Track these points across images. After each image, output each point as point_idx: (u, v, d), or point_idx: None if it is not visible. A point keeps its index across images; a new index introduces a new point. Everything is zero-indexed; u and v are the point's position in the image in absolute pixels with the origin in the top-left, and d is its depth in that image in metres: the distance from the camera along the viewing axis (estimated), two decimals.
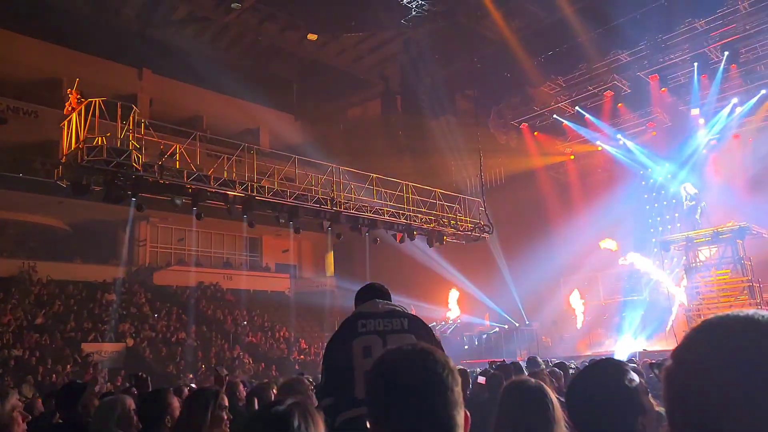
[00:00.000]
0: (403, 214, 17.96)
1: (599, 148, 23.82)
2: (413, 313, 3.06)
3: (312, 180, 16.57)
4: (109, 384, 16.32)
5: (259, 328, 24.84)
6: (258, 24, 23.20)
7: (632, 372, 1.83)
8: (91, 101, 12.69)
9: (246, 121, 28.35)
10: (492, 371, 6.48)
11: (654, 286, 21.37)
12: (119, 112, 13.02)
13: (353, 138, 27.50)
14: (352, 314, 2.95)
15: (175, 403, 3.10)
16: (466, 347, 21.92)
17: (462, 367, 6.93)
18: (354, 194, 17.24)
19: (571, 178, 25.75)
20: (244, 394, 5.54)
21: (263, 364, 21.66)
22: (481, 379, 6.42)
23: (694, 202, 19.25)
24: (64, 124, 13.17)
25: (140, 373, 5.16)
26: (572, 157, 25.22)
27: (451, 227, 19.00)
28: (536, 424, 2.07)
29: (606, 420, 1.71)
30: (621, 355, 15.52)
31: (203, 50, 25.59)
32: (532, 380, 2.27)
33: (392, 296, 3.12)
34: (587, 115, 22.16)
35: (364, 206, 17.19)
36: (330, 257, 31.07)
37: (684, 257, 19.89)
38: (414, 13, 19.64)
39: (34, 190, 20.30)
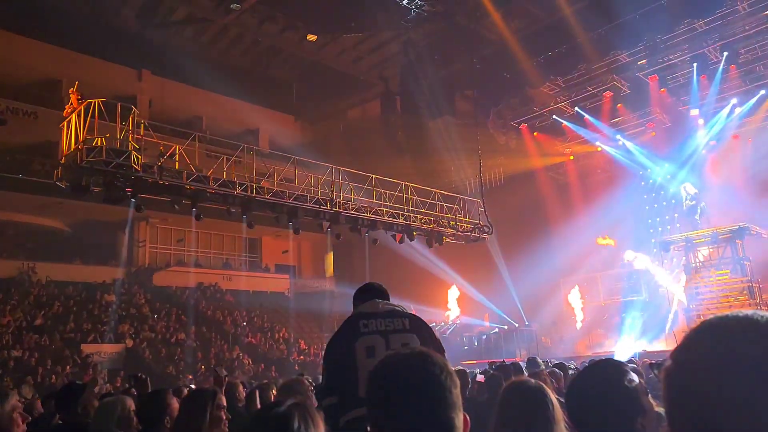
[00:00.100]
0: (402, 215, 17.96)
1: (599, 149, 23.84)
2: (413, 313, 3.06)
3: (311, 181, 16.57)
4: (108, 385, 16.31)
5: (258, 328, 24.83)
6: (257, 25, 23.20)
7: (632, 372, 1.83)
8: (91, 102, 12.69)
9: (245, 121, 28.34)
10: (491, 372, 6.49)
11: (653, 286, 21.39)
12: (119, 113, 13.02)
13: (353, 139, 27.51)
14: (353, 314, 2.95)
15: (175, 403, 3.09)
16: (465, 348, 21.93)
17: (461, 368, 6.93)
18: (353, 195, 17.24)
19: (571, 179, 25.76)
20: (244, 394, 5.54)
21: (263, 364, 21.64)
22: (480, 377, 6.42)
23: (694, 202, 19.27)
24: (63, 125, 13.17)
25: (139, 374, 5.15)
26: (572, 157, 25.23)
27: (451, 228, 19.00)
28: (536, 425, 2.07)
29: (606, 420, 1.71)
30: (621, 356, 15.52)
31: (203, 51, 25.60)
32: (532, 381, 2.27)
33: (392, 298, 3.12)
34: (587, 116, 22.18)
35: (363, 207, 17.19)
36: (329, 258, 31.06)
37: (683, 258, 19.92)
38: (413, 13, 19.65)
39: (34, 191, 20.29)
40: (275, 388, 5.62)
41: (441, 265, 23.78)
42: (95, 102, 12.66)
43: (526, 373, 5.91)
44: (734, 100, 20.34)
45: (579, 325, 22.49)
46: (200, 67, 25.12)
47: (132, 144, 12.86)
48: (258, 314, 25.98)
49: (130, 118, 13.01)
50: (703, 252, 19.51)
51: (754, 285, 17.92)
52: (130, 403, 3.26)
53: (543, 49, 19.06)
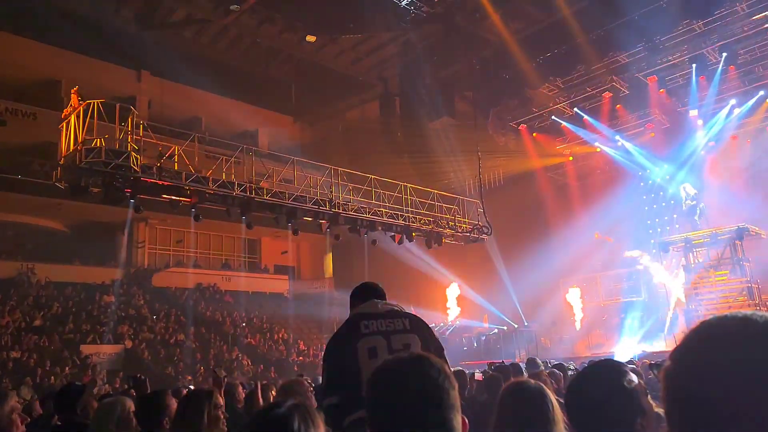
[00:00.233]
0: (401, 216, 17.96)
1: (598, 150, 23.86)
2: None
3: (310, 181, 16.57)
4: (107, 386, 16.30)
5: (257, 329, 24.82)
6: (256, 26, 23.21)
7: (631, 373, 1.83)
8: (90, 103, 12.68)
9: (244, 122, 28.32)
10: (490, 372, 6.49)
11: (653, 287, 21.39)
12: (118, 114, 13.01)
13: (352, 140, 27.51)
14: (353, 315, 2.94)
15: (174, 404, 3.09)
16: (465, 349, 21.92)
17: (460, 368, 6.94)
18: (352, 196, 17.24)
19: (570, 180, 25.78)
20: (243, 395, 5.53)
21: (262, 365, 21.64)
22: (478, 375, 6.42)
23: (694, 202, 19.29)
24: (62, 126, 13.17)
25: (138, 375, 5.15)
26: (571, 158, 25.25)
27: (450, 228, 19.01)
28: (536, 425, 2.07)
29: (605, 421, 1.71)
30: (620, 357, 15.52)
31: (202, 52, 25.61)
32: (532, 381, 2.27)
33: (391, 299, 3.12)
34: (586, 117, 22.19)
35: (362, 208, 17.19)
36: (329, 259, 31.06)
37: (683, 258, 19.94)
38: (412, 14, 19.65)
39: (33, 191, 20.27)
40: (274, 389, 5.62)
41: (440, 266, 23.82)
42: (94, 103, 12.66)
43: (525, 374, 5.91)
44: (733, 101, 20.35)
45: (578, 325, 22.49)
46: (199, 68, 25.13)
47: (131, 145, 12.86)
48: (257, 315, 25.97)
49: (129, 119, 13.01)
50: (703, 253, 19.53)
51: (753, 286, 17.94)
52: (130, 404, 3.26)
53: (542, 50, 19.06)
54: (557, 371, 6.23)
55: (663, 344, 18.40)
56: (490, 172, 23.48)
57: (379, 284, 3.19)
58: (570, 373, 6.79)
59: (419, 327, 2.90)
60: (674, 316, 19.47)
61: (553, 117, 22.67)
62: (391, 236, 18.26)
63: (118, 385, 16.29)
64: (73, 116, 12.80)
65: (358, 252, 24.71)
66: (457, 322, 23.46)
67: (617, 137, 22.70)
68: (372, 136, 24.64)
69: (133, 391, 5.43)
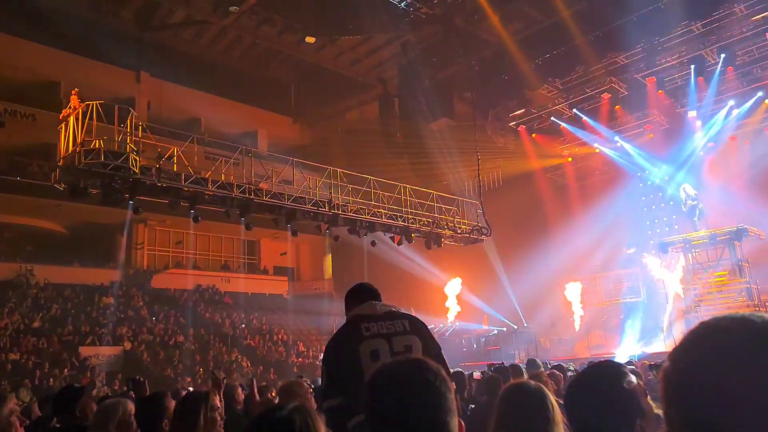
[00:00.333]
0: (400, 217, 17.97)
1: (597, 150, 23.88)
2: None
3: (310, 183, 16.56)
4: (106, 388, 16.28)
5: (257, 331, 24.80)
6: (256, 27, 23.22)
7: (631, 374, 1.83)
8: (89, 104, 12.68)
9: (244, 123, 28.32)
10: (490, 373, 6.48)
11: (653, 288, 21.41)
12: (117, 115, 13.01)
13: (351, 141, 27.52)
14: (352, 316, 2.94)
15: (173, 406, 3.09)
16: (464, 350, 21.92)
17: (459, 370, 6.94)
18: (352, 197, 17.24)
19: (569, 180, 25.80)
20: (242, 397, 5.53)
21: (261, 367, 21.62)
22: (477, 375, 6.42)
23: (695, 202, 19.31)
24: (61, 127, 13.16)
25: (138, 377, 5.14)
26: (570, 159, 25.27)
27: (449, 229, 19.01)
28: (535, 426, 2.07)
29: (605, 422, 1.71)
30: (620, 357, 15.53)
31: (201, 53, 25.63)
32: (532, 382, 2.27)
33: (391, 300, 3.12)
34: (585, 118, 22.22)
35: (361, 209, 17.19)
36: (328, 260, 31.06)
37: (682, 258, 19.97)
38: (411, 16, 19.66)
39: (32, 193, 20.27)
40: (274, 391, 5.61)
41: (439, 267, 23.82)
42: (93, 104, 12.65)
43: (526, 375, 5.91)
44: (732, 102, 20.38)
45: (577, 326, 22.50)
46: (198, 70, 25.17)
47: (130, 146, 12.85)
48: (256, 317, 25.96)
49: (128, 120, 13.00)
50: (702, 254, 19.54)
51: (752, 286, 17.96)
52: (131, 406, 3.26)
53: (541, 51, 19.07)
54: (557, 372, 6.24)
55: (662, 345, 18.42)
56: (490, 173, 23.49)
57: (373, 285, 3.20)
58: (569, 374, 6.80)
59: (419, 328, 2.91)
60: (673, 315, 19.48)
61: (552, 118, 22.70)
62: (390, 237, 18.26)
63: (117, 387, 16.28)
64: (72, 117, 12.79)
65: (358, 253, 24.71)
66: (456, 323, 23.45)
67: (616, 138, 22.73)
68: (371, 137, 24.62)
69: (132, 392, 5.43)
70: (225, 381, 4.77)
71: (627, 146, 22.85)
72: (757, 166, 19.85)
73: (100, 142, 12.45)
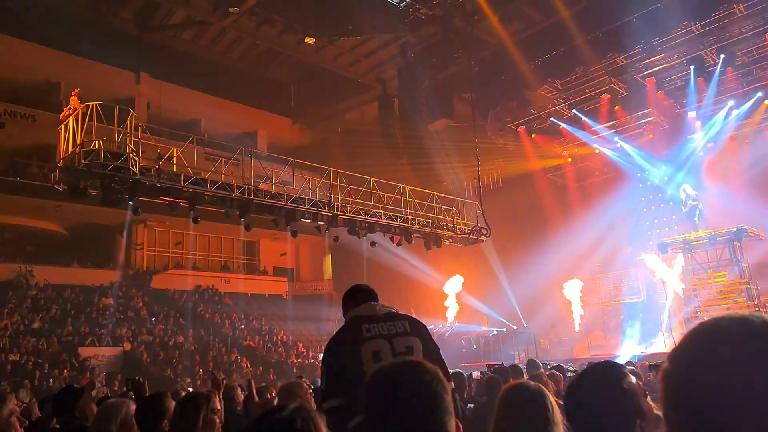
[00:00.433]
0: (400, 217, 17.97)
1: (596, 151, 23.87)
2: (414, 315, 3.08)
3: (309, 183, 16.56)
4: (105, 388, 16.27)
5: (256, 331, 24.80)
6: (255, 28, 23.22)
7: (630, 375, 1.83)
8: (89, 105, 12.68)
9: (244, 124, 28.34)
10: (489, 374, 6.49)
11: (653, 289, 21.40)
12: (116, 116, 13.01)
13: (350, 141, 27.51)
14: (352, 317, 2.95)
15: (173, 407, 3.09)
16: (464, 350, 21.92)
17: (458, 370, 6.94)
18: (351, 197, 17.24)
19: (569, 181, 25.79)
20: (242, 398, 5.52)
21: (261, 367, 21.62)
22: (476, 374, 6.42)
23: (696, 202, 19.32)
24: (61, 128, 13.15)
25: (137, 378, 5.14)
26: (569, 159, 25.26)
27: (449, 230, 19.01)
28: (535, 427, 2.07)
29: (604, 423, 1.71)
30: (622, 359, 15.52)
31: (201, 54, 25.63)
32: (531, 383, 2.27)
33: (391, 300, 3.14)
34: (584, 118, 22.21)
35: (361, 209, 17.19)
36: (328, 260, 31.06)
37: (682, 259, 19.97)
38: (411, 16, 19.66)
39: (31, 194, 20.26)
40: (273, 391, 5.61)
41: (438, 268, 23.82)
42: (93, 105, 12.65)
43: (526, 376, 5.91)
44: (731, 103, 20.37)
45: (577, 326, 22.49)
46: (198, 70, 25.17)
47: (130, 147, 12.84)
48: (256, 317, 25.96)
49: (128, 121, 12.99)
50: (702, 254, 19.54)
51: (752, 287, 17.95)
52: (133, 407, 3.26)
53: (540, 52, 19.07)
54: (556, 373, 6.24)
55: (662, 346, 18.43)
56: (489, 174, 23.49)
57: (369, 286, 3.22)
58: (569, 374, 6.80)
59: (418, 329, 2.93)
60: (672, 316, 19.48)
61: (551, 118, 22.70)
62: (390, 238, 18.26)
63: (116, 388, 16.27)
64: (71, 118, 12.79)
65: (357, 253, 24.71)
66: (456, 324, 23.45)
67: (616, 138, 22.72)
68: (371, 138, 24.62)
69: (131, 393, 5.42)
70: (224, 381, 4.77)
71: (627, 147, 22.85)
72: (756, 166, 19.84)
73: (99, 143, 12.44)
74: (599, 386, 1.80)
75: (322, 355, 3.07)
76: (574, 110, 22.18)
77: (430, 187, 19.75)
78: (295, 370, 20.44)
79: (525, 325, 22.92)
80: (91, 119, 12.53)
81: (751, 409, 0.82)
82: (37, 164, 20.92)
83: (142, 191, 13.30)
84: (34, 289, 21.19)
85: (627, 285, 22.50)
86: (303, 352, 24.15)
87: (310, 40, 22.96)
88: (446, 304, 24.17)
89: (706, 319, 0.97)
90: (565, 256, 22.49)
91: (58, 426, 3.93)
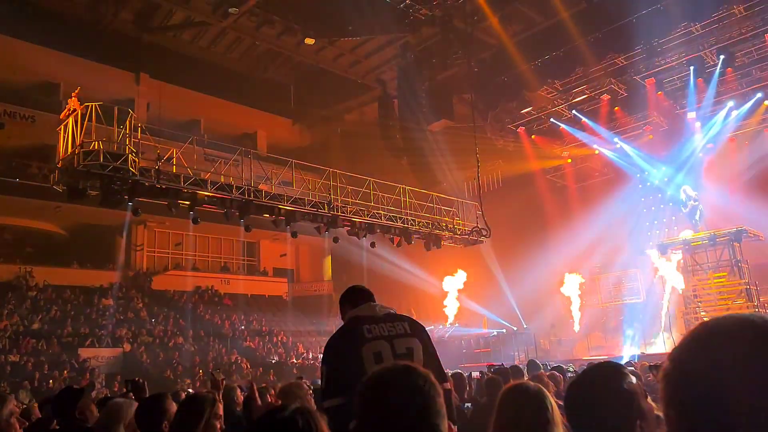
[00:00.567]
0: (400, 218, 17.97)
1: (596, 152, 23.89)
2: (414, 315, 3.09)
3: (309, 184, 16.56)
4: (105, 389, 16.26)
5: (256, 332, 24.79)
6: (255, 28, 23.20)
7: (631, 375, 1.83)
8: (88, 105, 12.67)
9: (243, 125, 28.34)
10: (490, 374, 6.49)
11: (653, 289, 21.40)
12: (116, 117, 13.00)
13: (350, 142, 27.52)
14: (352, 318, 2.95)
15: (173, 408, 3.08)
16: (464, 351, 21.92)
17: (458, 371, 6.94)
18: (351, 198, 17.24)
19: (569, 182, 25.80)
20: (242, 399, 5.52)
21: (261, 368, 21.61)
22: (475, 374, 6.42)
23: (697, 203, 19.34)
24: (60, 129, 13.15)
25: (137, 378, 5.14)
26: (569, 160, 25.28)
27: (448, 231, 19.01)
28: (535, 427, 2.07)
29: (604, 423, 1.71)
30: (620, 359, 15.52)
31: (201, 54, 25.62)
32: (531, 383, 2.27)
33: (390, 301, 3.15)
34: (584, 119, 22.22)
35: (361, 210, 17.19)
36: (327, 261, 31.04)
37: (681, 260, 19.97)
38: (411, 17, 19.66)
39: (31, 194, 20.24)
40: (273, 391, 5.60)
41: (437, 270, 23.81)
42: (92, 105, 12.65)
43: (527, 376, 5.91)
44: (731, 103, 20.38)
45: (577, 327, 22.49)
46: (198, 71, 25.16)
47: (129, 147, 12.84)
48: (256, 318, 25.95)
49: (128, 122, 12.99)
50: (701, 254, 19.55)
51: (751, 287, 17.97)
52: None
53: (540, 53, 19.08)
54: (556, 374, 6.24)
55: (662, 346, 18.43)
56: (489, 175, 23.50)
57: (365, 287, 3.24)
58: (569, 375, 6.80)
59: (418, 330, 2.94)
60: (672, 317, 19.48)
61: (551, 119, 22.71)
62: (389, 239, 18.26)
63: (116, 389, 16.26)
64: (71, 119, 12.79)
65: (357, 254, 24.71)
66: (456, 325, 23.45)
67: (615, 139, 22.74)
68: (370, 139, 24.62)
69: (131, 394, 5.42)
70: (224, 382, 4.76)
71: (626, 147, 22.86)
72: (756, 167, 19.87)
73: (99, 144, 12.44)
74: (599, 386, 1.80)
75: (321, 355, 3.07)
76: (573, 111, 22.20)
77: (430, 188, 19.75)
78: (295, 371, 20.42)
79: (525, 326, 22.92)
80: (90, 120, 12.53)
81: (751, 409, 0.82)
82: (36, 165, 20.91)
83: (142, 192, 13.29)
84: (33, 290, 21.18)
85: (627, 286, 22.50)
86: (303, 352, 24.15)
87: (309, 41, 22.94)
88: (446, 302, 24.12)
89: (706, 319, 0.97)
90: (565, 257, 22.51)
91: (58, 427, 3.92)
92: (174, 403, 3.13)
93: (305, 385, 4.60)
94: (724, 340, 0.90)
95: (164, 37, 24.75)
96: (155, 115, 24.35)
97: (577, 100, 21.75)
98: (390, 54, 23.33)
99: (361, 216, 17.07)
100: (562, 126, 22.79)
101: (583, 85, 20.98)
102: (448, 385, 3.12)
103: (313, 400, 4.19)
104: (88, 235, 24.82)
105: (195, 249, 27.36)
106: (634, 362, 11.40)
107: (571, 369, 8.28)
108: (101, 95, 15.71)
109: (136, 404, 3.32)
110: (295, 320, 27.07)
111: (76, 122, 12.58)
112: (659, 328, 19.69)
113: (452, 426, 1.41)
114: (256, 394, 5.07)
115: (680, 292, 19.62)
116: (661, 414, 1.00)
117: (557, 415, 2.08)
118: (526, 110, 22.45)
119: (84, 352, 19.18)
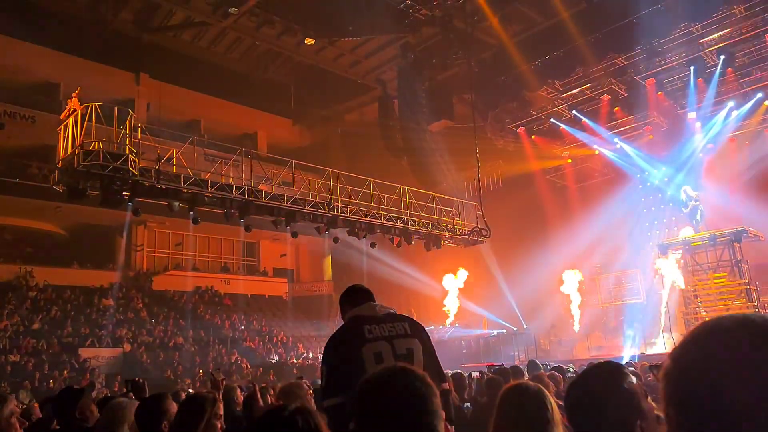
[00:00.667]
0: (400, 218, 17.97)
1: (596, 152, 23.88)
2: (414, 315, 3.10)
3: (309, 184, 16.56)
4: (106, 389, 16.26)
5: (256, 332, 24.80)
6: (255, 28, 23.21)
7: (631, 375, 1.83)
8: (88, 106, 12.68)
9: (244, 125, 28.36)
10: (490, 374, 6.49)
11: (653, 289, 21.40)
12: (116, 117, 13.01)
13: (350, 142, 27.53)
14: (353, 317, 2.96)
15: (174, 408, 3.08)
16: (464, 351, 21.92)
17: (459, 371, 6.94)
18: (351, 198, 17.24)
19: (569, 182, 25.80)
20: (242, 399, 5.52)
21: (261, 368, 21.61)
22: (475, 373, 6.43)
23: (698, 203, 19.33)
24: (60, 129, 13.15)
25: (137, 379, 5.14)
26: (569, 160, 25.26)
27: (449, 231, 19.01)
28: (535, 427, 2.07)
29: (605, 423, 1.71)
30: (621, 359, 15.52)
31: (201, 55, 25.62)
32: (531, 383, 2.28)
33: (390, 301, 3.16)
34: (584, 119, 22.21)
35: (361, 210, 17.19)
36: (328, 261, 31.05)
37: (681, 260, 19.97)
38: (411, 17, 19.66)
39: (31, 194, 20.25)
40: (272, 391, 5.60)
41: (437, 270, 23.80)
42: (92, 106, 12.65)
43: (527, 376, 5.91)
44: (731, 103, 20.37)
45: (577, 327, 22.49)
46: (198, 71, 25.16)
47: (129, 148, 12.84)
48: (256, 318, 25.95)
49: (128, 122, 12.99)
50: (701, 255, 19.55)
51: (751, 288, 17.96)
52: None
53: (541, 53, 19.07)
54: (556, 374, 6.24)
55: (662, 347, 18.43)
56: (489, 175, 23.49)
57: (364, 286, 3.25)
58: (569, 375, 6.80)
59: (418, 330, 2.96)
60: (672, 317, 19.47)
61: (551, 119, 22.70)
62: (390, 239, 18.26)
63: (117, 389, 16.26)
64: (71, 119, 12.79)
65: (357, 254, 24.72)
66: (456, 325, 23.45)
67: (616, 140, 22.73)
68: (370, 139, 24.63)
69: (131, 394, 5.42)
70: (224, 382, 4.76)
71: (626, 148, 22.85)
72: (756, 167, 19.86)
73: (99, 144, 12.45)
74: (600, 386, 1.80)
75: (321, 354, 3.07)
76: (574, 111, 22.18)
77: (430, 188, 19.74)
78: (295, 371, 20.42)
79: (525, 327, 22.92)
80: (90, 120, 12.53)
81: (751, 408, 0.82)
82: (36, 165, 20.92)
83: (142, 192, 13.29)
84: (33, 290, 21.18)
85: (627, 286, 22.50)
86: (303, 353, 24.15)
87: (310, 41, 22.95)
88: (446, 301, 24.11)
89: (707, 319, 0.97)
90: (565, 257, 22.51)
91: (58, 427, 3.92)
92: (174, 403, 3.13)
93: (305, 385, 4.60)
94: (724, 339, 0.90)
95: (164, 37, 24.76)
96: (155, 116, 24.37)
97: (577, 100, 21.74)
98: (390, 54, 23.34)
99: (361, 216, 17.07)
100: (563, 126, 22.78)
101: (584, 85, 20.96)
102: (447, 385, 3.12)
103: (313, 400, 4.19)
104: (89, 235, 24.83)
105: (195, 249, 27.37)
106: (635, 362, 11.40)
107: (571, 369, 8.27)
108: (101, 95, 15.72)
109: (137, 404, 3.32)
110: (295, 320, 27.08)
111: (76, 122, 12.58)
112: (659, 328, 19.68)
113: (449, 426, 1.44)
114: (258, 395, 5.07)
115: (680, 291, 19.62)
116: (661, 414, 1.00)
117: (557, 415, 2.08)
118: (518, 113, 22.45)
119: (84, 352, 19.19)
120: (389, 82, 23.98)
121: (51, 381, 16.59)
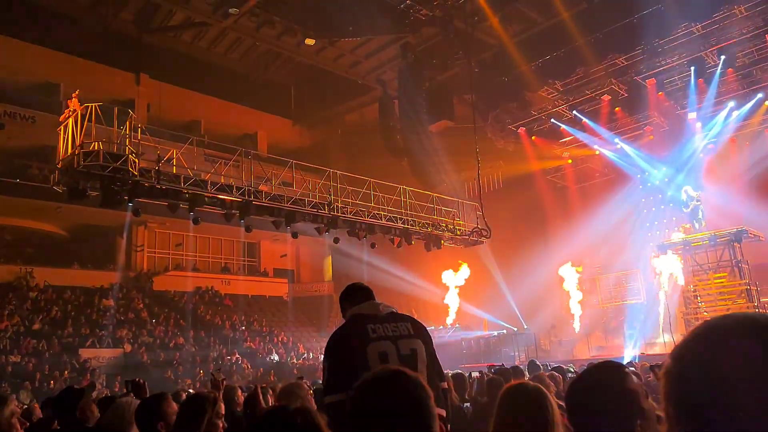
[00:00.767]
0: (400, 219, 17.97)
1: (597, 152, 23.87)
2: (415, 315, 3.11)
3: (309, 185, 16.56)
4: (106, 390, 16.27)
5: (257, 333, 24.80)
6: (255, 29, 23.22)
7: (631, 375, 1.83)
8: (88, 106, 12.68)
9: (244, 125, 28.36)
10: (490, 375, 6.49)
11: (653, 289, 21.39)
12: (116, 117, 13.01)
13: (351, 143, 27.54)
14: (355, 315, 2.96)
15: (173, 409, 3.08)
16: (464, 351, 21.91)
17: (460, 372, 6.94)
18: (351, 199, 17.24)
19: (569, 182, 25.80)
20: (242, 399, 5.51)
21: (261, 368, 21.62)
22: (475, 374, 6.43)
23: (699, 203, 19.33)
24: (60, 129, 13.16)
25: (137, 379, 5.13)
26: (570, 161, 25.26)
27: (449, 231, 19.01)
28: (535, 427, 2.07)
29: (605, 423, 1.71)
30: (621, 359, 15.51)
31: (201, 55, 25.64)
32: (531, 383, 2.28)
33: (391, 301, 3.16)
34: (585, 119, 22.20)
35: (361, 211, 17.19)
36: (328, 262, 31.05)
37: (682, 260, 19.96)
38: (411, 18, 19.67)
39: (31, 195, 20.27)
40: (271, 392, 5.60)
41: (437, 270, 23.79)
42: (93, 106, 12.66)
43: (528, 376, 5.91)
44: (731, 104, 20.36)
45: (577, 327, 22.48)
46: (198, 71, 25.19)
47: (129, 148, 12.84)
48: (257, 318, 25.95)
49: (128, 122, 12.99)
50: (702, 255, 19.55)
51: (751, 288, 17.96)
52: None
53: (541, 53, 19.06)
54: (556, 374, 6.24)
55: (663, 347, 18.42)
56: (489, 175, 23.49)
57: (364, 284, 3.25)
58: (570, 375, 6.80)
59: (420, 330, 2.97)
60: (673, 317, 19.46)
61: (552, 120, 22.69)
62: (390, 239, 18.26)
63: (117, 389, 16.27)
64: (71, 119, 12.79)
65: (357, 255, 24.72)
66: (456, 326, 23.43)
67: (616, 140, 22.72)
68: (371, 139, 24.64)
69: (132, 395, 5.41)
70: (224, 382, 4.76)
71: (627, 148, 22.84)
72: (757, 167, 19.85)
73: (99, 144, 12.44)
74: (600, 386, 1.80)
75: (322, 354, 3.07)
76: (574, 111, 22.18)
77: (430, 189, 19.75)
78: (295, 371, 20.44)
79: (525, 327, 22.91)
80: (90, 120, 12.53)
81: (752, 407, 0.82)
82: (37, 165, 20.93)
83: (142, 193, 13.29)
84: (34, 291, 21.19)
85: (628, 286, 22.49)
86: (303, 353, 24.15)
87: (310, 42, 22.95)
88: (446, 299, 24.07)
89: (707, 319, 0.97)
90: (566, 258, 22.51)
91: (59, 427, 3.92)
92: (173, 404, 3.13)
93: (305, 385, 4.60)
94: (724, 337, 0.90)
95: (164, 38, 24.78)
96: (155, 116, 24.38)
97: (577, 100, 21.73)
98: (390, 54, 23.34)
99: (361, 216, 17.07)
100: (563, 126, 22.77)
101: (584, 85, 20.96)
102: (446, 385, 3.13)
103: (313, 400, 4.19)
104: (89, 235, 24.85)
105: (195, 250, 27.38)
106: (635, 363, 11.40)
107: (571, 369, 8.27)
108: (101, 95, 15.74)
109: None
110: (296, 321, 27.08)
111: (76, 123, 12.58)
112: (660, 328, 19.67)
113: (443, 426, 1.49)
114: (260, 397, 5.06)
115: (681, 292, 19.61)
116: (661, 414, 1.00)
117: (557, 415, 2.08)
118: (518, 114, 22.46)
119: (85, 353, 19.19)
120: (389, 83, 23.99)
121: (51, 381, 16.60)
